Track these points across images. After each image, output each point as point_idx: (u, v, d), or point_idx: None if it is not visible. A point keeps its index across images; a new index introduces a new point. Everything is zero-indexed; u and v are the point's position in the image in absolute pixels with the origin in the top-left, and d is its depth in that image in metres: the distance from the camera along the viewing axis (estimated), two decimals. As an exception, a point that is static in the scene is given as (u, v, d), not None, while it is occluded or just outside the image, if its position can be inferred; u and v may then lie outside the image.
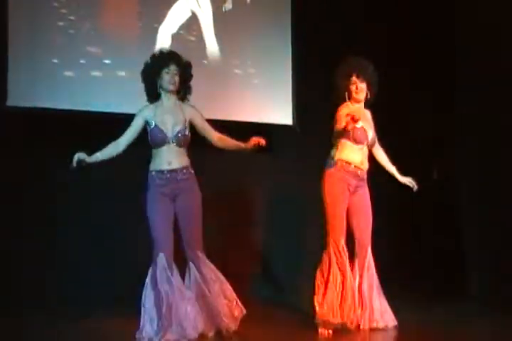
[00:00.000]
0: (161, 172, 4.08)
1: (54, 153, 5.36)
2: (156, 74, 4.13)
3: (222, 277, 4.23)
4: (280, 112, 6.16)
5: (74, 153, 4.10)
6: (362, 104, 4.51)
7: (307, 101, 6.16)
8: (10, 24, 5.13)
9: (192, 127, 4.27)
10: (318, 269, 4.44)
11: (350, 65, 4.45)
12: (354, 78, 4.40)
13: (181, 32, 5.84)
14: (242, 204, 6.17)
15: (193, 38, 5.89)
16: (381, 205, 6.43)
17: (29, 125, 5.27)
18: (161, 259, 4.02)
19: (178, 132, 4.11)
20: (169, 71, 4.13)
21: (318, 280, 4.42)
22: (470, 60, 5.89)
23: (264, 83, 6.13)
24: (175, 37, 5.79)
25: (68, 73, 5.36)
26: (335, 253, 4.39)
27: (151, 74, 4.15)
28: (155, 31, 5.72)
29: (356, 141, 4.41)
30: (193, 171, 4.22)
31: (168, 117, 4.12)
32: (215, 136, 4.26)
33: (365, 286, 4.48)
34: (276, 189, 6.20)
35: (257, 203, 6.18)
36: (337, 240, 4.41)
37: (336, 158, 4.44)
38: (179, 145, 4.12)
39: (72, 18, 5.39)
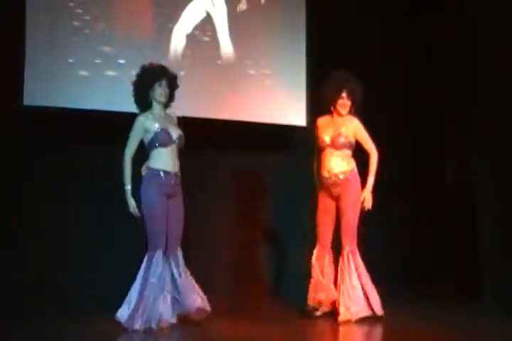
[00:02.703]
0: (168, 173, 4.44)
1: (68, 151, 5.44)
2: (149, 86, 4.50)
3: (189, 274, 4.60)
4: (294, 113, 6.17)
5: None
6: (343, 117, 4.90)
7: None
8: (27, 24, 5.18)
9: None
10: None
11: (342, 81, 4.80)
12: (344, 94, 4.78)
13: (196, 32, 5.86)
14: (255, 204, 6.20)
15: (207, 39, 5.91)
16: (394, 206, 6.52)
17: (45, 124, 5.32)
18: (158, 255, 4.40)
19: (180, 135, 4.54)
20: (161, 84, 4.51)
21: None
22: (486, 68, 5.87)
23: (278, 84, 6.13)
24: (189, 37, 5.82)
25: (83, 73, 5.39)
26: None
27: (144, 86, 4.51)
28: (169, 31, 5.75)
29: (336, 148, 4.84)
30: None
31: (167, 123, 4.55)
32: None
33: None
34: (290, 189, 6.21)
35: (270, 204, 6.20)
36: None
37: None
38: (179, 147, 4.53)
39: (87, 17, 5.42)
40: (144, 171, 4.52)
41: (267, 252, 6.21)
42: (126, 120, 4.68)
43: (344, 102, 4.81)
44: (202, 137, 5.65)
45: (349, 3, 6.55)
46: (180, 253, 4.57)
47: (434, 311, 5.20)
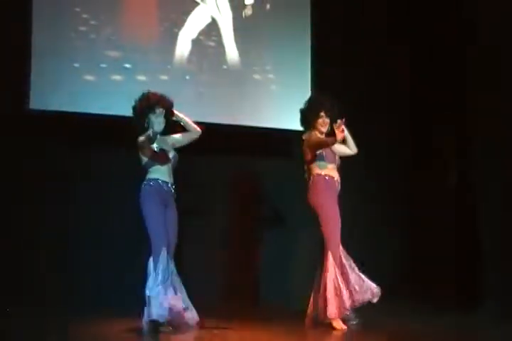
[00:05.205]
0: (166, 182, 4.68)
1: (72, 154, 5.46)
2: (145, 115, 4.66)
3: None
4: (298, 118, 6.16)
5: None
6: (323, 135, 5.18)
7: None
8: (33, 28, 5.23)
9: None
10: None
11: (322, 102, 5.15)
12: (322, 113, 5.10)
13: (201, 37, 5.89)
14: (260, 209, 6.21)
15: (212, 44, 5.94)
16: (394, 206, 6.53)
17: (51, 128, 5.35)
18: (164, 252, 4.57)
19: (173, 157, 4.79)
20: (155, 114, 4.64)
21: None
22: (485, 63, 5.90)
23: (282, 89, 6.16)
24: (195, 42, 5.86)
25: (89, 77, 5.43)
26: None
27: (140, 115, 4.67)
28: (175, 36, 5.79)
29: (329, 161, 5.07)
30: None
31: (162, 144, 4.75)
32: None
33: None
34: (294, 194, 6.20)
35: (275, 209, 6.20)
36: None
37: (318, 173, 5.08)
38: (173, 166, 4.78)
39: (93, 22, 5.47)
40: (143, 185, 4.69)
41: (268, 255, 6.20)
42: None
43: (324, 120, 5.09)
44: (206, 142, 5.66)
45: (353, 8, 6.57)
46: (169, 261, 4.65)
47: (433, 313, 5.22)
